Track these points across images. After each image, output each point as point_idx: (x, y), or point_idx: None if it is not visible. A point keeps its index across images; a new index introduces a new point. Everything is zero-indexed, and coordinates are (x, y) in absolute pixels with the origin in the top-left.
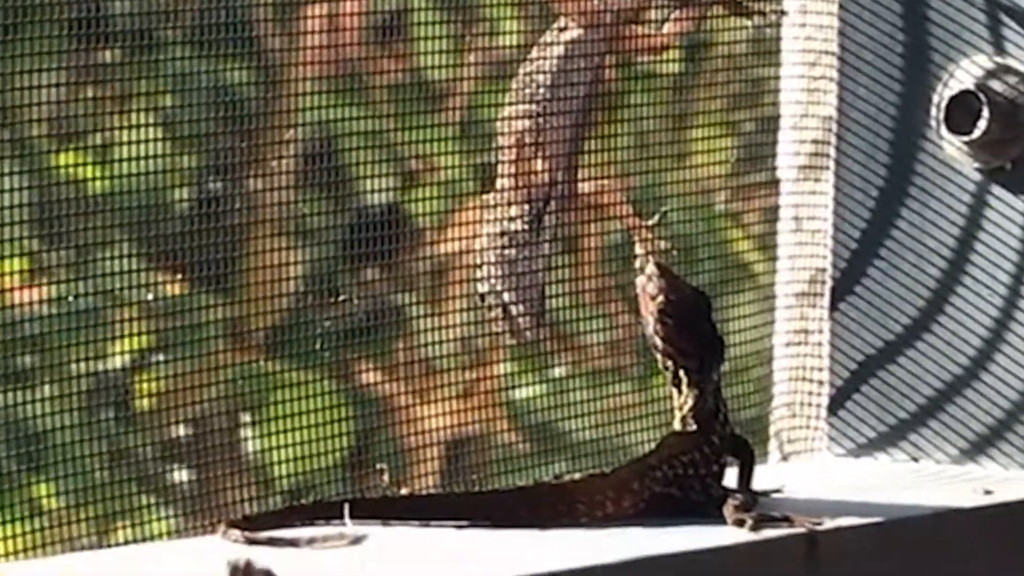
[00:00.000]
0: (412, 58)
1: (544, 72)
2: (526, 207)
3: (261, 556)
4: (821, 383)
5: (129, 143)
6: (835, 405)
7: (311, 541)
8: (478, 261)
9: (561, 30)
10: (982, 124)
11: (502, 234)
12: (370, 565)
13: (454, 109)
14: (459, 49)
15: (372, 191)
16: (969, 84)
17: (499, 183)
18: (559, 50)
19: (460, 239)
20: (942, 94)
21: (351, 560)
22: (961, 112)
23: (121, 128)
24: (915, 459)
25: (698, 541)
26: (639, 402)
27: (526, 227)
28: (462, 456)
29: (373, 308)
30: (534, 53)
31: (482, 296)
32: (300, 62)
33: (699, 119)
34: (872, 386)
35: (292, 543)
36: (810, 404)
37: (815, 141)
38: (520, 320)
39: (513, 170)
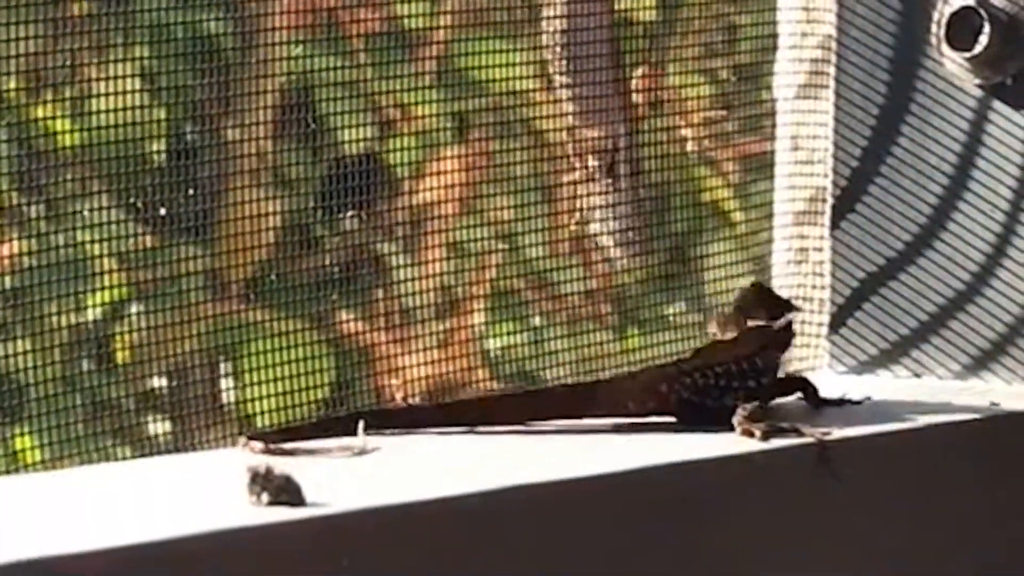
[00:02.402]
0: (388, 7)
1: (564, 32)
2: (598, 163)
3: (281, 464)
4: (822, 301)
5: (105, 94)
6: (836, 323)
7: (327, 451)
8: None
9: None
10: (983, 40)
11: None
12: (383, 472)
13: (431, 58)
14: None
15: (349, 140)
16: (969, 0)
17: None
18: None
19: (437, 188)
20: (942, 11)
21: (365, 468)
22: (962, 28)
23: (97, 79)
24: (917, 375)
25: (707, 450)
26: (616, 351)
27: (607, 179)
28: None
29: (351, 257)
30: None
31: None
32: (276, 11)
33: (674, 66)
34: (874, 303)
35: (309, 453)
36: (811, 323)
37: (814, 60)
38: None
39: (577, 135)
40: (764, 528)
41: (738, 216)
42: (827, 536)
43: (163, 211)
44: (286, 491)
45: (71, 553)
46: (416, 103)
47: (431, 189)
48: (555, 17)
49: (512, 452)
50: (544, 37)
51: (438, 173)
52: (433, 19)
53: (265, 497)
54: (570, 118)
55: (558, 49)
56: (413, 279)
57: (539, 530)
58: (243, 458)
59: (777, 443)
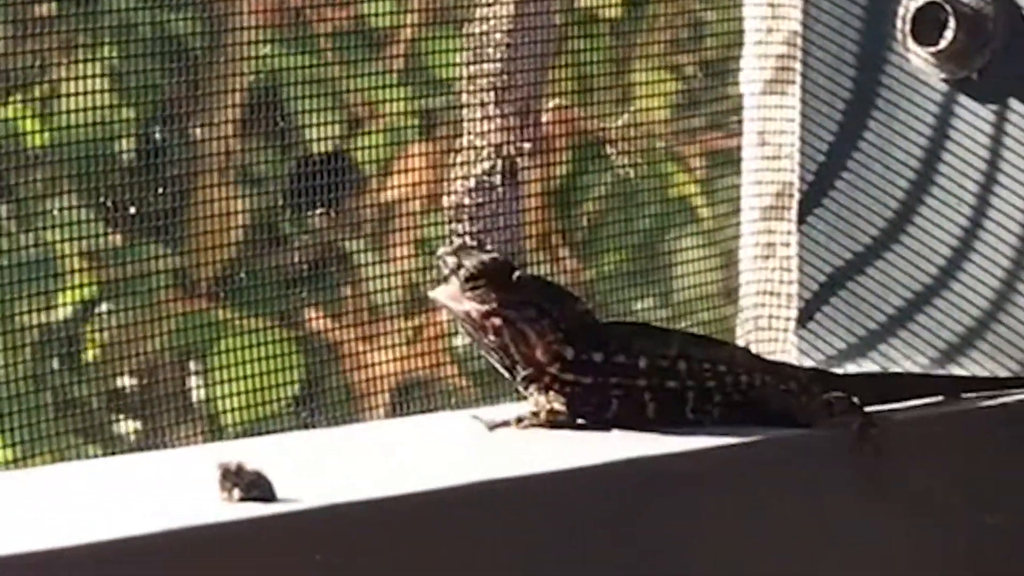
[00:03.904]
0: (355, 5)
1: (501, 28)
2: (498, 160)
3: (252, 459)
4: (790, 296)
5: (73, 94)
6: (804, 318)
7: None
8: (450, 214)
9: None
10: (948, 35)
11: (476, 188)
12: (354, 467)
13: (397, 56)
14: None
15: (317, 139)
16: None
17: (467, 138)
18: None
19: (405, 185)
20: (907, 6)
21: (335, 463)
22: (927, 23)
23: (65, 80)
24: (885, 369)
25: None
26: None
27: (500, 179)
28: (409, 400)
29: (319, 255)
30: (484, 10)
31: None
32: (243, 10)
33: (641, 62)
34: (841, 298)
35: None
36: (778, 317)
37: (780, 56)
38: None
39: (483, 127)
40: (735, 523)
41: (706, 212)
42: (799, 532)
43: (131, 210)
44: (257, 487)
45: (43, 550)
46: (383, 100)
47: (398, 187)
48: (499, 17)
49: (487, 446)
50: (480, 27)
51: (405, 171)
52: (399, 16)
53: (237, 493)
54: (485, 110)
55: (493, 42)
56: (381, 276)
57: (517, 525)
58: (214, 455)
59: (749, 438)
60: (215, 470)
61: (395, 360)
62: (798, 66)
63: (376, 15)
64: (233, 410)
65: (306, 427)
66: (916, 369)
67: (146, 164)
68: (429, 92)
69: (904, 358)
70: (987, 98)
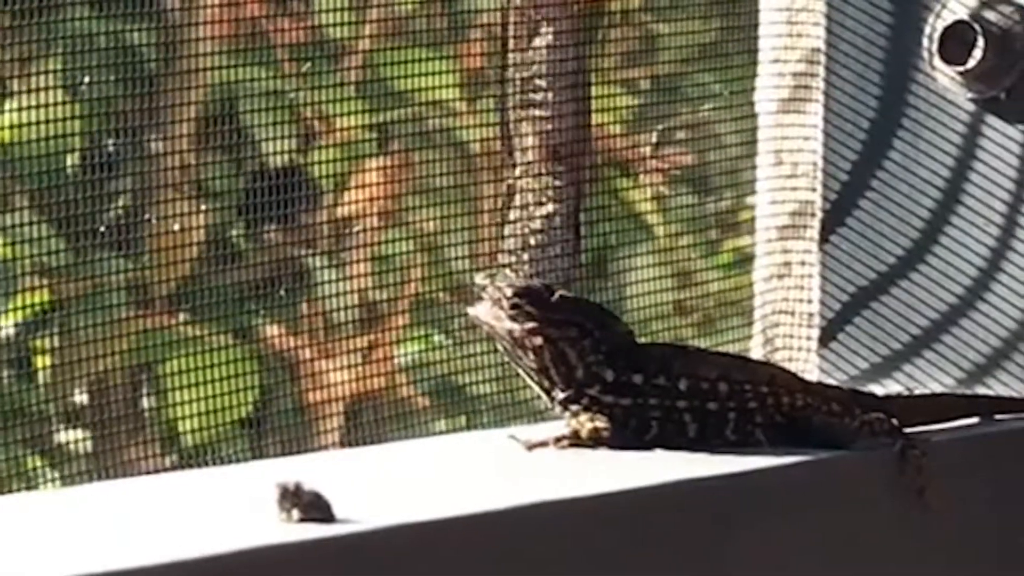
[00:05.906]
0: (311, 16)
1: (539, 74)
2: (556, 205)
3: (310, 479)
4: (810, 315)
5: (26, 108)
6: (827, 337)
7: None
8: (505, 251)
9: (536, 23)
10: (976, 54)
11: (534, 231)
12: (413, 487)
13: (353, 68)
14: (358, 7)
15: (272, 152)
16: (963, 14)
17: (521, 182)
18: (545, 42)
19: (361, 200)
20: (934, 24)
21: (395, 483)
22: (955, 42)
23: (20, 92)
24: (909, 390)
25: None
26: None
27: (559, 223)
28: (363, 414)
29: (276, 270)
30: (515, 57)
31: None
32: (199, 22)
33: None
34: (865, 318)
35: None
36: (797, 336)
37: (797, 74)
38: None
39: (538, 169)
40: (777, 544)
41: (661, 230)
42: (840, 553)
43: (84, 224)
44: (316, 508)
45: (97, 572)
46: (339, 114)
47: (355, 202)
48: (526, 63)
49: (529, 466)
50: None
51: (362, 186)
52: (356, 29)
53: (296, 514)
54: (530, 154)
55: (534, 87)
56: (339, 294)
57: (580, 545)
58: (270, 473)
59: (791, 459)
60: (273, 490)
61: (352, 381)
62: (820, 84)
63: (333, 25)
64: (192, 432)
65: (259, 443)
66: (941, 390)
67: (99, 178)
68: (386, 106)
69: (929, 379)
70: (1015, 118)
